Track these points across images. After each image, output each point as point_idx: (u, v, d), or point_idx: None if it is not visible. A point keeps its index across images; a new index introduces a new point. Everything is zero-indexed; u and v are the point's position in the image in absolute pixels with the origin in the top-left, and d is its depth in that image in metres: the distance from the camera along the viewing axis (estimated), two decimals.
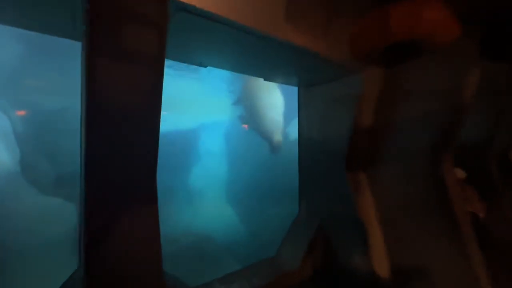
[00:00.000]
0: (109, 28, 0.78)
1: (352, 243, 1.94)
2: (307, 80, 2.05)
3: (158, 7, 0.84)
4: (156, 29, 0.86)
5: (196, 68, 7.88)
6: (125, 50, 0.80)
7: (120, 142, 0.86)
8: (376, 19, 1.44)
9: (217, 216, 8.39)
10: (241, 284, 1.69)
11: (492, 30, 1.58)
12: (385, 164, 1.87)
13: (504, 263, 1.81)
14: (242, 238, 7.27)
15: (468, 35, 1.43)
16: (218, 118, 11.03)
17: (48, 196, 5.25)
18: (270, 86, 7.18)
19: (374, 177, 1.91)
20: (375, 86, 1.79)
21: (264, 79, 1.97)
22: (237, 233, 7.57)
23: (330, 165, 2.01)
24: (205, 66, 1.59)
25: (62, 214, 5.20)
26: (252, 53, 1.42)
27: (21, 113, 5.53)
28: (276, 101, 7.35)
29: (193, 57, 1.48)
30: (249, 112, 7.67)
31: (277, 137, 7.17)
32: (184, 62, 1.48)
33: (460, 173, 2.09)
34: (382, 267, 1.84)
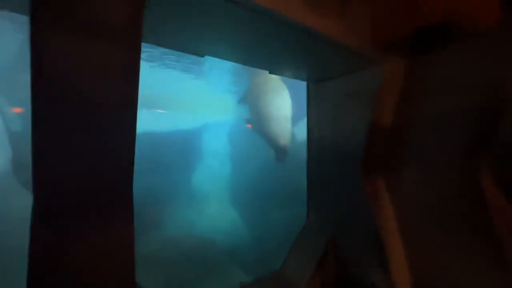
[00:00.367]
0: None
1: (368, 258, 1.73)
2: (318, 74, 1.85)
3: None
4: None
5: (199, 66, 7.74)
6: (84, 22, 0.61)
7: (82, 141, 0.67)
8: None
9: (220, 219, 8.22)
10: None
11: None
12: (408, 169, 1.66)
13: None
14: (245, 242, 7.09)
15: None
16: (222, 118, 10.89)
17: None
18: (277, 86, 6.67)
19: (394, 183, 1.70)
20: (397, 80, 1.58)
21: (270, 72, 1.77)
22: (241, 237, 7.39)
23: (343, 169, 1.80)
24: (202, 56, 1.40)
25: None
26: (258, 39, 1.23)
27: (17, 110, 5.43)
28: (283, 104, 6.70)
29: (187, 44, 1.29)
30: (254, 114, 7.07)
31: (284, 143, 6.39)
32: (175, 49, 1.29)
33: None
34: (403, 286, 1.63)
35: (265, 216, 7.68)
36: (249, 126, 9.88)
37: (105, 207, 0.75)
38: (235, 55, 1.47)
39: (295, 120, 7.32)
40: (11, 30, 5.28)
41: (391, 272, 1.64)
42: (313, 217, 2.01)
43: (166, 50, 6.44)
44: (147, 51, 6.66)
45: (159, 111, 10.43)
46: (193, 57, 7.14)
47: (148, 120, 9.30)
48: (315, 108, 2.01)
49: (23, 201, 4.87)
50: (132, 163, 0.76)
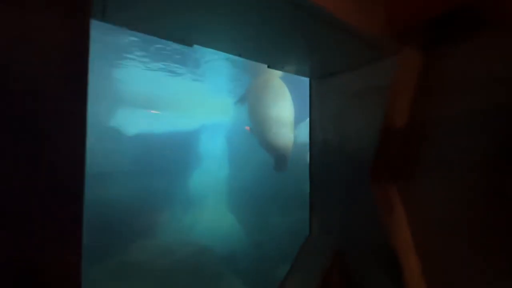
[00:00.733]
0: None
1: (380, 275, 1.55)
2: (322, 68, 1.68)
3: None
4: None
5: (196, 66, 7.60)
6: None
7: (9, 148, 0.49)
8: None
9: (218, 224, 8.03)
10: None
11: None
12: (425, 176, 1.48)
13: None
14: (244, 249, 6.89)
15: None
16: (220, 119, 10.72)
17: None
18: (279, 87, 6.28)
19: (409, 191, 1.52)
20: (413, 74, 1.41)
21: (269, 66, 1.60)
22: (239, 243, 7.20)
23: (351, 175, 1.63)
24: (190, 45, 1.23)
25: None
26: (255, 24, 1.06)
27: None
28: (285, 107, 6.08)
29: (172, 31, 1.12)
30: (252, 118, 6.55)
31: (284, 152, 5.75)
32: (158, 36, 1.12)
33: None
34: None
35: (264, 221, 7.49)
36: (248, 128, 9.74)
37: (48, 226, 0.57)
38: (228, 44, 1.30)
39: (295, 122, 7.13)
40: None
41: None
42: (317, 229, 1.83)
43: (162, 47, 6.29)
44: (141, 48, 6.51)
45: (154, 111, 10.27)
46: (190, 56, 6.99)
47: (143, 121, 9.14)
48: (319, 107, 1.84)
49: None
50: (82, 173, 0.58)
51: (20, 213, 0.52)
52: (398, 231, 1.51)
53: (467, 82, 1.30)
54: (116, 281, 4.29)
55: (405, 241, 1.50)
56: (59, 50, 0.51)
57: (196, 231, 7.22)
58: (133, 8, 0.92)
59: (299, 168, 5.86)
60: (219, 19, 1.03)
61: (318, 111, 1.85)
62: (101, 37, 5.85)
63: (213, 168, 9.96)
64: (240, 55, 1.40)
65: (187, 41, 1.19)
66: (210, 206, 8.78)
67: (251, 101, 6.68)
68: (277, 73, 6.55)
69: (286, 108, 6.03)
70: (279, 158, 5.81)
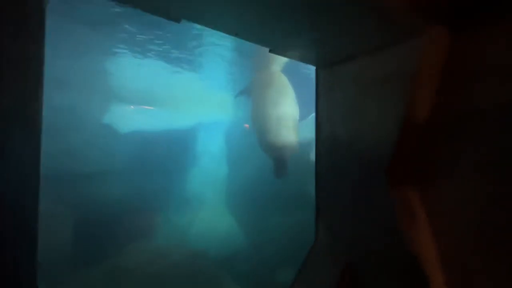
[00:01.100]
0: None
1: None
2: (332, 54, 1.50)
3: None
4: None
5: (194, 62, 7.41)
6: None
7: None
8: None
9: (215, 225, 7.87)
10: None
11: None
12: (451, 177, 1.31)
13: None
14: (242, 251, 6.73)
15: None
16: (218, 117, 10.54)
17: None
18: (281, 84, 5.84)
19: (433, 195, 1.35)
20: (440, 59, 1.24)
21: (270, 50, 1.43)
22: (237, 245, 7.04)
23: (364, 175, 1.45)
24: (178, 21, 1.04)
25: None
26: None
27: None
28: (288, 107, 5.49)
29: (157, 2, 0.94)
30: (253, 116, 6.06)
31: (285, 156, 5.21)
32: (142, 9, 0.94)
33: None
34: None
35: (263, 222, 7.34)
36: (247, 126, 9.56)
37: None
38: (222, 21, 1.12)
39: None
40: None
41: None
42: (324, 237, 1.65)
43: (156, 40, 6.08)
44: (134, 40, 6.31)
45: (148, 108, 10.07)
46: (187, 49, 6.80)
47: (137, 118, 8.95)
48: (327, 99, 1.67)
49: None
50: (37, 179, 0.51)
51: None
52: (419, 240, 1.34)
53: (502, 70, 1.12)
54: None
55: (427, 252, 1.33)
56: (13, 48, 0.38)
57: (192, 233, 7.06)
58: None
59: (301, 168, 5.69)
60: None
61: (326, 104, 1.67)
62: (92, 28, 5.66)
63: (211, 168, 9.79)
64: (236, 35, 1.22)
65: (174, 15, 1.01)
66: (207, 206, 8.61)
67: (253, 97, 6.32)
68: (280, 63, 6.26)
69: (289, 107, 5.52)
70: (278, 162, 5.32)
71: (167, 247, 5.34)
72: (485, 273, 1.24)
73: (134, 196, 6.64)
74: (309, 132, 6.36)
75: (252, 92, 6.46)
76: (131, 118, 8.57)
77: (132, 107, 9.86)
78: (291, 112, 5.48)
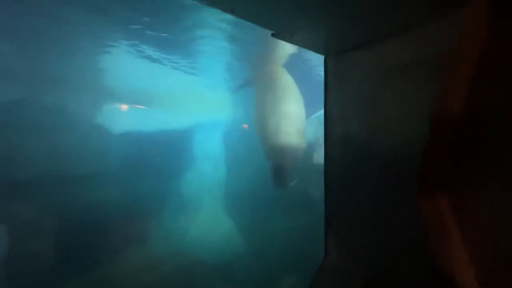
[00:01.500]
0: None
1: None
2: (343, 40, 1.31)
3: None
4: None
5: (191, 59, 7.22)
6: None
7: None
8: None
9: (213, 230, 7.67)
10: None
11: None
12: (488, 183, 1.12)
13: None
14: (242, 258, 6.53)
15: None
16: (216, 117, 10.36)
17: None
18: (284, 83, 5.39)
19: (468, 204, 1.16)
20: (477, 41, 1.05)
21: (273, 34, 1.24)
22: (236, 251, 6.84)
23: (384, 182, 1.26)
24: None
25: None
26: None
27: None
28: (294, 108, 4.94)
29: None
30: (255, 118, 5.55)
31: (285, 163, 4.65)
32: None
33: None
34: None
35: (264, 227, 7.14)
36: (245, 126, 9.38)
37: None
38: None
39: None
40: None
41: None
42: (336, 253, 1.46)
43: (151, 36, 5.88)
44: (128, 37, 6.13)
45: (143, 107, 9.88)
46: (184, 46, 6.61)
47: (131, 118, 8.77)
48: (338, 93, 1.47)
49: None
50: None
51: None
52: (456, 259, 1.14)
53: None
54: None
55: (465, 273, 1.13)
56: None
57: (188, 238, 6.86)
58: None
59: (304, 170, 5.49)
60: None
61: (338, 98, 1.48)
62: (84, 23, 5.47)
63: (209, 170, 9.60)
64: (233, 13, 1.03)
65: None
66: (204, 211, 8.42)
67: (256, 95, 5.84)
68: (283, 58, 5.94)
69: (293, 108, 4.97)
70: (276, 170, 4.72)
71: (162, 254, 5.14)
72: None
73: (127, 200, 6.44)
74: (312, 132, 6.20)
75: (256, 90, 6.15)
76: (124, 118, 8.40)
77: (125, 106, 9.67)
78: (295, 115, 4.92)
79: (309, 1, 0.98)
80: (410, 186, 1.17)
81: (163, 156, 8.18)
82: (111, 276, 4.35)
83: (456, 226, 1.14)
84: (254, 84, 6.28)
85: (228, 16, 4.71)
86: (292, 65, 6.03)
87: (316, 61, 6.30)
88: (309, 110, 5.65)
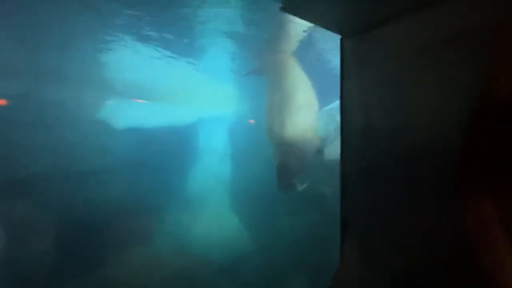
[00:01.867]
0: None
1: None
2: (363, 16, 1.14)
3: None
4: None
5: (194, 52, 7.07)
6: None
7: None
8: None
9: (219, 228, 7.59)
10: None
11: None
12: None
13: None
14: (248, 257, 6.44)
15: None
16: (221, 112, 10.25)
17: None
18: (294, 73, 5.05)
19: None
20: None
21: (282, 8, 1.07)
22: (243, 250, 6.75)
23: (414, 180, 1.09)
24: None
25: None
26: None
27: None
28: (301, 99, 4.57)
29: None
30: (265, 114, 5.17)
31: (289, 165, 4.22)
32: None
33: None
34: None
35: (271, 225, 7.02)
36: (252, 121, 9.24)
37: None
38: None
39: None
40: None
41: None
42: (354, 262, 1.30)
43: (154, 29, 5.75)
44: (130, 30, 6.00)
45: (146, 102, 9.83)
46: (187, 38, 6.46)
47: (134, 113, 8.70)
48: (358, 79, 1.30)
49: None
50: None
51: None
52: (501, 271, 0.97)
53: None
54: None
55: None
56: None
57: (193, 237, 6.78)
58: None
59: (314, 164, 5.31)
60: None
61: (357, 83, 1.31)
62: (86, 16, 5.37)
63: (214, 166, 9.52)
64: None
65: None
66: (210, 208, 8.35)
67: (267, 88, 5.39)
68: (291, 45, 5.65)
69: (303, 101, 4.56)
70: (279, 170, 4.26)
71: (165, 254, 5.07)
72: None
73: (129, 197, 6.38)
74: (322, 127, 6.01)
75: (262, 80, 5.90)
76: (127, 113, 8.34)
77: (128, 101, 9.62)
78: (304, 109, 4.55)
79: None
80: (446, 186, 1.00)
81: (166, 152, 8.12)
82: (111, 277, 4.28)
83: (504, 235, 0.97)
84: (262, 73, 6.03)
85: (232, 3, 4.52)
86: (300, 53, 5.79)
87: (325, 43, 5.80)
88: (319, 102, 5.44)
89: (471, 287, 0.98)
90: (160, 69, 7.73)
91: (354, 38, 1.30)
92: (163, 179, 7.78)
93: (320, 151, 4.57)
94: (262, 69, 6.06)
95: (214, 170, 9.50)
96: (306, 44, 5.60)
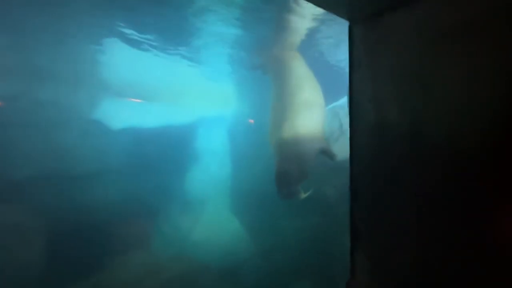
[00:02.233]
0: None
1: None
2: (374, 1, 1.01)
3: None
4: None
5: (193, 51, 6.99)
6: None
7: None
8: None
9: (219, 231, 7.48)
10: None
11: None
12: None
13: None
14: (249, 261, 6.32)
15: None
16: (220, 111, 10.16)
17: None
18: (299, 70, 4.84)
19: None
20: None
21: None
22: (244, 254, 6.64)
23: (436, 184, 0.97)
24: None
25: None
26: None
27: None
28: (308, 98, 4.31)
29: None
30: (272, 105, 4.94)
31: (288, 170, 3.97)
32: None
33: None
34: None
35: (273, 227, 6.91)
36: (252, 121, 9.13)
37: None
38: None
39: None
40: None
41: None
42: (366, 276, 1.18)
43: (152, 27, 5.64)
44: (127, 28, 5.92)
45: (143, 102, 9.75)
46: (186, 37, 6.35)
47: (131, 113, 8.62)
48: (369, 68, 1.18)
49: None
50: None
51: None
52: None
53: None
54: None
55: None
56: None
57: (192, 240, 6.68)
58: None
59: (316, 165, 5.19)
60: None
61: (368, 75, 1.18)
62: (82, 14, 5.29)
63: (213, 167, 9.42)
64: None
65: None
66: (209, 210, 8.24)
67: (274, 80, 5.10)
68: (295, 40, 5.45)
69: (307, 101, 4.29)
70: (278, 176, 4.03)
71: (164, 259, 4.96)
72: None
73: (127, 200, 6.29)
74: (326, 125, 5.88)
75: (264, 78, 5.75)
76: (124, 113, 8.25)
77: (125, 100, 9.55)
78: (308, 109, 4.29)
79: None
80: (476, 195, 0.87)
81: (165, 152, 8.03)
82: (108, 282, 4.17)
83: None
84: (266, 70, 5.90)
85: (232, 1, 4.41)
86: (303, 48, 5.67)
87: (327, 32, 5.59)
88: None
89: None
90: (159, 69, 7.68)
91: (365, 24, 1.18)
92: (161, 181, 7.68)
93: (324, 151, 4.40)
94: (266, 65, 5.91)
95: (213, 170, 9.41)
96: (310, 38, 5.49)
